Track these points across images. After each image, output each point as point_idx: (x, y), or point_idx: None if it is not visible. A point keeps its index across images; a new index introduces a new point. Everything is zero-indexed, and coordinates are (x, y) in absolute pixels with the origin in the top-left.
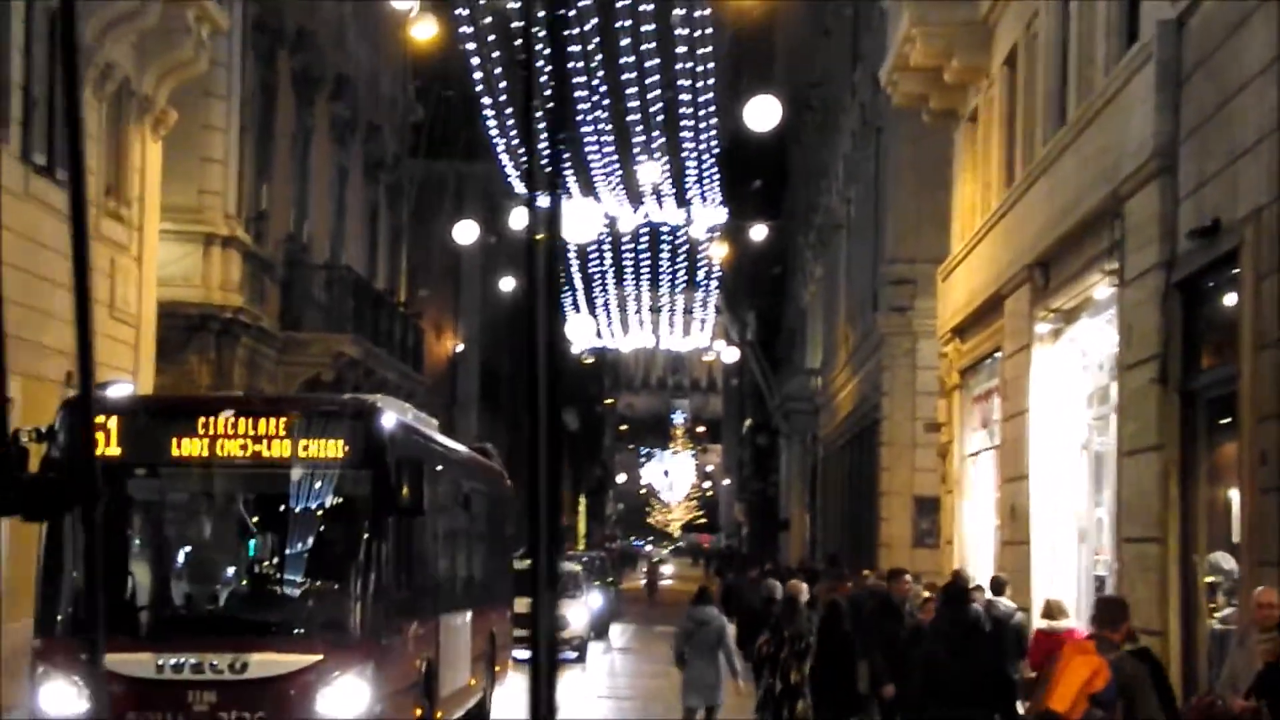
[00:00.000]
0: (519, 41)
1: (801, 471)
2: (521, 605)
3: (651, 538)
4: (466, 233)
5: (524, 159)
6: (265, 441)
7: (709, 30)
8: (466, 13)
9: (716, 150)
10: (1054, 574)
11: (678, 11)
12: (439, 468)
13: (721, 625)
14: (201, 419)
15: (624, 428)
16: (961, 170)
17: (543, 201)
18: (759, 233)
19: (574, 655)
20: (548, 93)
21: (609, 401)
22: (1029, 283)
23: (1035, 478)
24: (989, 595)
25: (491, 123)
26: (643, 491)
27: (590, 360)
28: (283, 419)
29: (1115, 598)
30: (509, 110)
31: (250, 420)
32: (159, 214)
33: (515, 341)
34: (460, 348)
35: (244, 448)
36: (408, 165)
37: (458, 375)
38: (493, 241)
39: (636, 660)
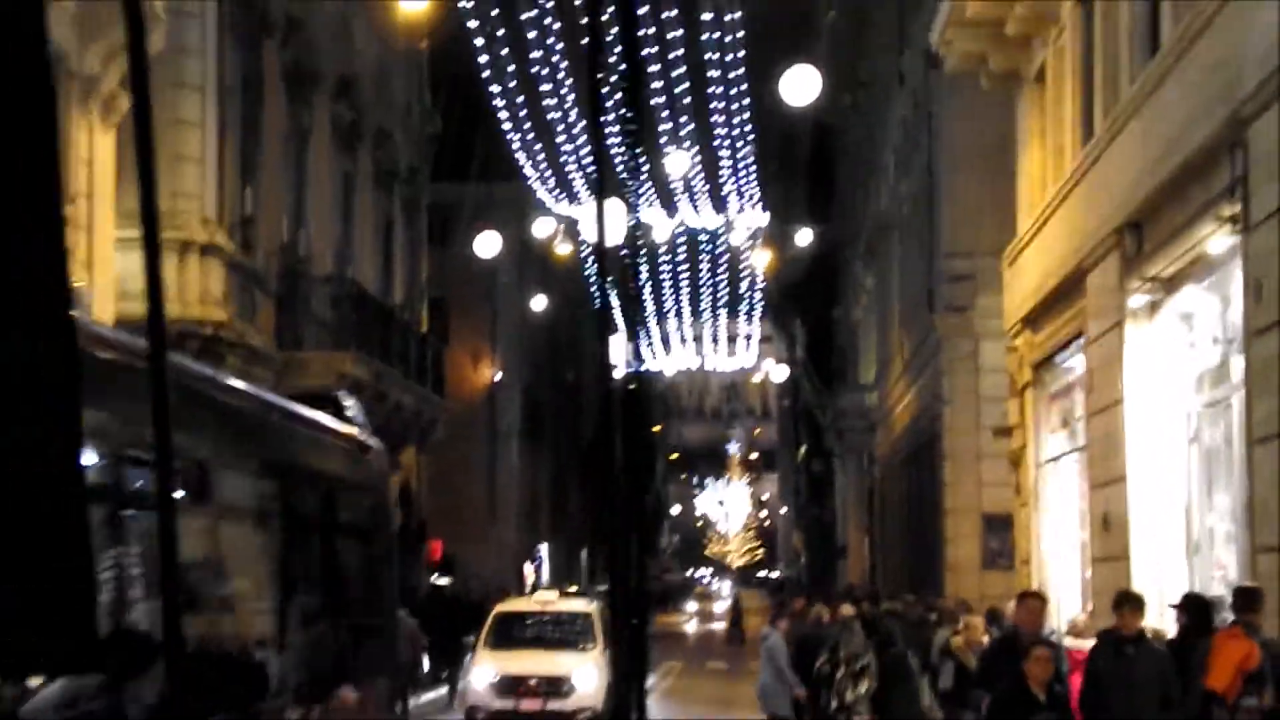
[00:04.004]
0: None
1: (859, 494)
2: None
3: (710, 569)
4: (489, 245)
5: (551, 170)
6: None
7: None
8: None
9: (752, 137)
10: (1160, 593)
11: None
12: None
13: (775, 642)
14: None
15: (675, 456)
16: (1028, 140)
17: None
18: (804, 237)
19: None
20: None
21: (657, 429)
22: (1118, 250)
23: (1133, 481)
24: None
25: (512, 135)
26: (699, 523)
27: (634, 386)
28: None
29: (1249, 586)
30: (524, 113)
31: None
32: (113, 214)
33: (559, 369)
34: (499, 376)
35: None
36: (427, 185)
37: (496, 405)
38: (518, 254)
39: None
